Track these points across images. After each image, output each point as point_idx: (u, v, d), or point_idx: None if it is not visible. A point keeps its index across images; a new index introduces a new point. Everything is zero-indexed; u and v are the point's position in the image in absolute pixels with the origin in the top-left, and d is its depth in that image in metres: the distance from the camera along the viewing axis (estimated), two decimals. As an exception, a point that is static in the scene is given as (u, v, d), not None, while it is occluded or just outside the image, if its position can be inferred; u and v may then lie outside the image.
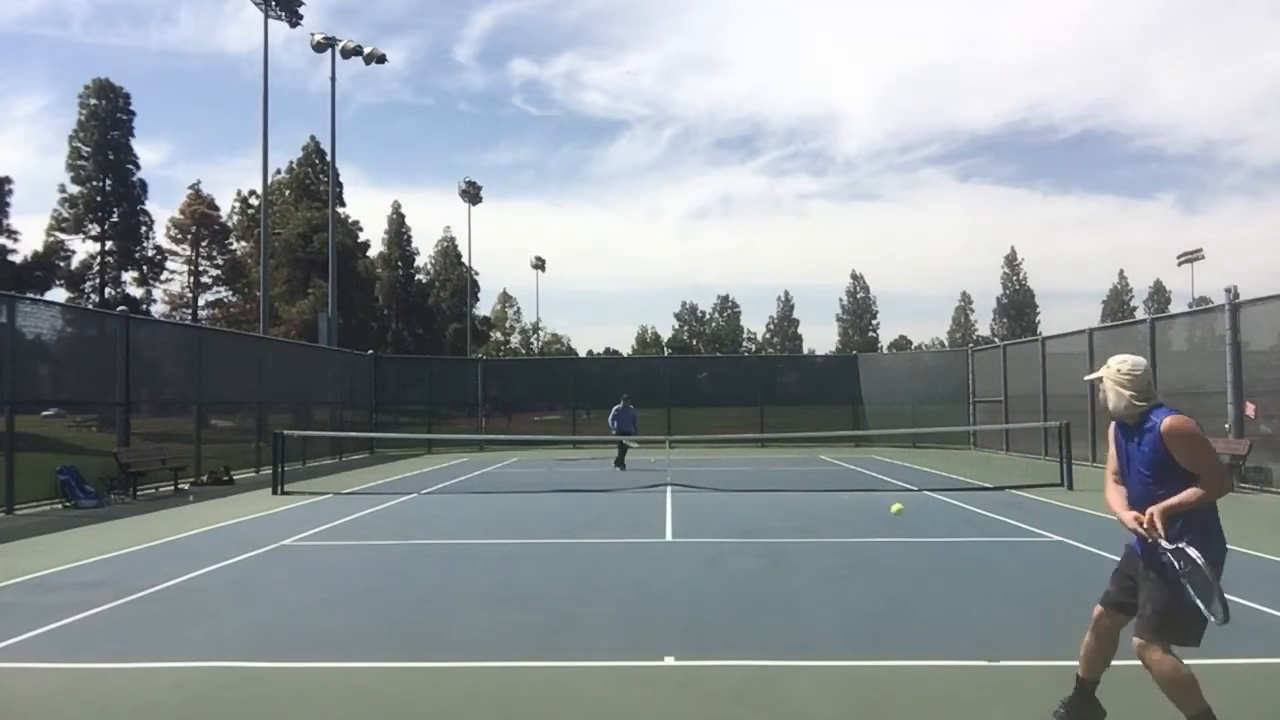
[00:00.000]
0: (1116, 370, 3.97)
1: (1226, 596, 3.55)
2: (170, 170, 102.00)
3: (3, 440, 13.08)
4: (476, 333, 68.67)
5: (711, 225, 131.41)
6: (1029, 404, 23.50)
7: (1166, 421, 3.82)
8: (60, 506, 13.83)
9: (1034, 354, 24.03)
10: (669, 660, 5.45)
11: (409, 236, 69.09)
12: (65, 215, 46.00)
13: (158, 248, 50.05)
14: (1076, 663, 4.25)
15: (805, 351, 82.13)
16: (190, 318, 50.88)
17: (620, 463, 20.43)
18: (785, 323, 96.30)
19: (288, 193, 57.46)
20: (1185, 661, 3.79)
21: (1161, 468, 3.85)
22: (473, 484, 17.97)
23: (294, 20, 31.27)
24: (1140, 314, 72.76)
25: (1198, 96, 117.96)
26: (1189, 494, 3.77)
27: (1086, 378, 4.32)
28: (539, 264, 77.04)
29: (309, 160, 58.83)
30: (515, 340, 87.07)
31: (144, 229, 48.47)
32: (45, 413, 19.12)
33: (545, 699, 4.84)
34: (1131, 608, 3.97)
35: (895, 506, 8.65)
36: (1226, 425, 15.24)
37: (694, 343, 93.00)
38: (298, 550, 9.92)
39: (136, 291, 48.22)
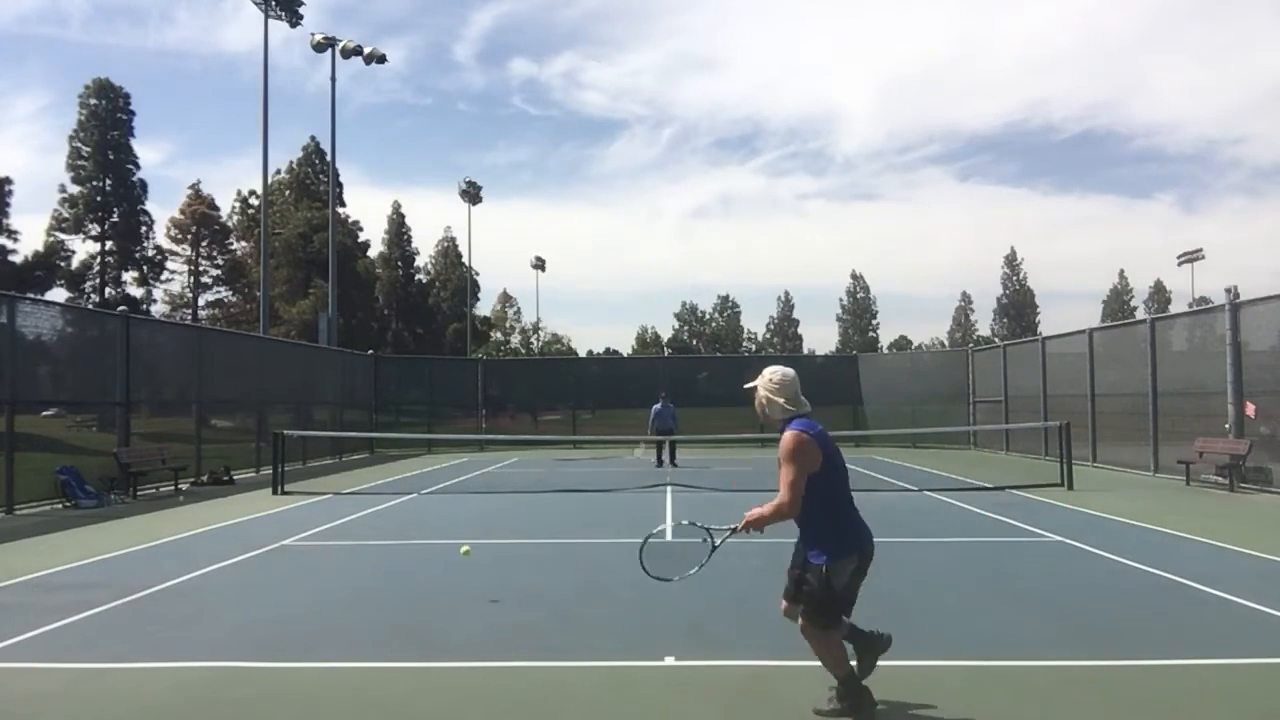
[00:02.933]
0: (769, 380, 4.37)
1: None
2: (170, 170, 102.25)
3: (3, 440, 13.08)
4: (476, 333, 68.62)
5: (711, 225, 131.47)
6: (1029, 404, 23.49)
7: (785, 433, 4.18)
8: (60, 506, 13.83)
9: (1034, 354, 24.01)
10: (669, 660, 5.45)
11: (409, 236, 69.11)
12: (65, 215, 46.00)
13: (158, 248, 50.10)
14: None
15: (805, 351, 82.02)
16: (190, 318, 50.87)
17: (662, 461, 20.58)
18: (785, 323, 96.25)
19: (288, 193, 57.49)
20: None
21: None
22: (473, 484, 17.96)
23: (294, 20, 31.30)
24: (1140, 314, 72.86)
25: (1198, 96, 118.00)
26: (767, 507, 4.17)
27: (745, 386, 4.57)
28: (539, 264, 77.11)
29: (309, 160, 58.87)
30: (515, 340, 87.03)
31: (144, 229, 48.50)
32: (45, 413, 19.08)
33: (544, 699, 4.84)
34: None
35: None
36: (1226, 425, 15.23)
37: (694, 343, 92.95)
38: (298, 550, 9.92)
39: (137, 291, 48.27)
